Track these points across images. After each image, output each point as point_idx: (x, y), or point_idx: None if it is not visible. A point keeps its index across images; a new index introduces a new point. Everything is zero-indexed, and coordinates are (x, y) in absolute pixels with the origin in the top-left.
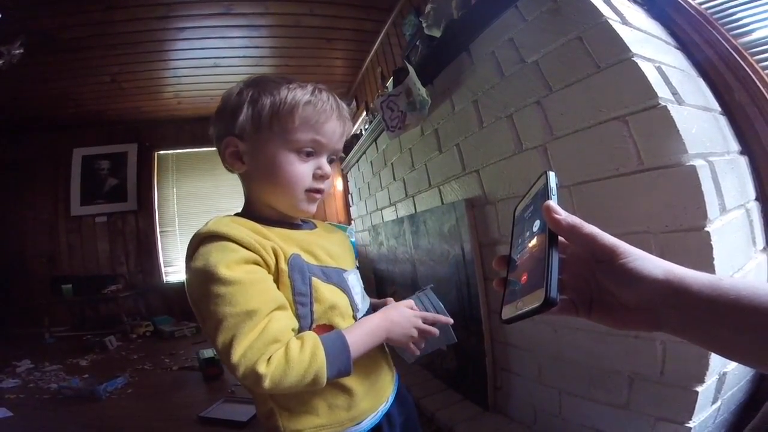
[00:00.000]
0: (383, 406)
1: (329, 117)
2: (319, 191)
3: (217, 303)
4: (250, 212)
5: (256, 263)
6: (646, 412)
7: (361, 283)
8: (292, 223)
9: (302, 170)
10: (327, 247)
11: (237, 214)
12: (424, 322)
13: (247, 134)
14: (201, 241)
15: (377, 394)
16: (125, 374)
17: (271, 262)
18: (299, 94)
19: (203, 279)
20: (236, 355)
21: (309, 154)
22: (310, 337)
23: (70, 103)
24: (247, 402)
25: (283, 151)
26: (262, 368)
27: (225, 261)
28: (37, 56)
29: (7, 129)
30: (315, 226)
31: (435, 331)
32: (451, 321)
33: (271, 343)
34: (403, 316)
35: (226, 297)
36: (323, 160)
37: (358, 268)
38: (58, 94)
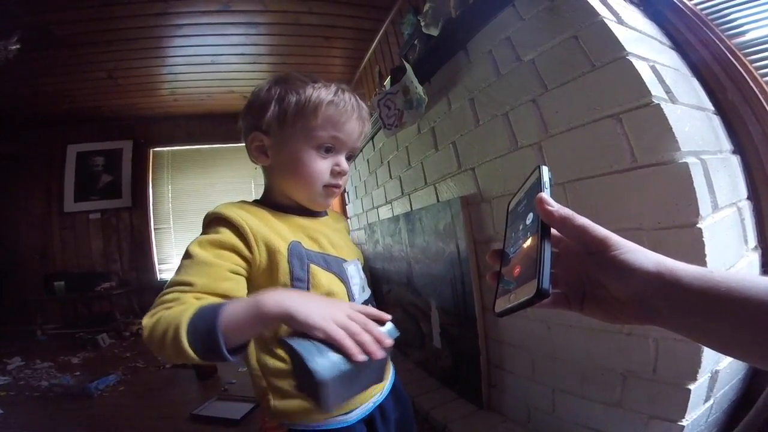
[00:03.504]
0: (375, 397)
1: (350, 117)
2: (336, 186)
3: (175, 272)
4: (266, 200)
5: (233, 250)
6: (639, 409)
7: (362, 275)
8: (306, 211)
9: (322, 166)
10: (330, 237)
11: (255, 201)
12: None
13: (272, 130)
14: (208, 223)
15: None
16: (117, 372)
17: (256, 253)
18: (323, 94)
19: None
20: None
21: (328, 150)
22: (194, 300)
23: (65, 99)
24: (241, 400)
25: (305, 147)
26: (145, 320)
27: (202, 240)
28: (33, 52)
29: (1, 124)
30: (326, 215)
31: (381, 332)
32: (389, 317)
33: (169, 302)
34: (327, 299)
35: (182, 268)
36: (341, 157)
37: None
38: (54, 89)
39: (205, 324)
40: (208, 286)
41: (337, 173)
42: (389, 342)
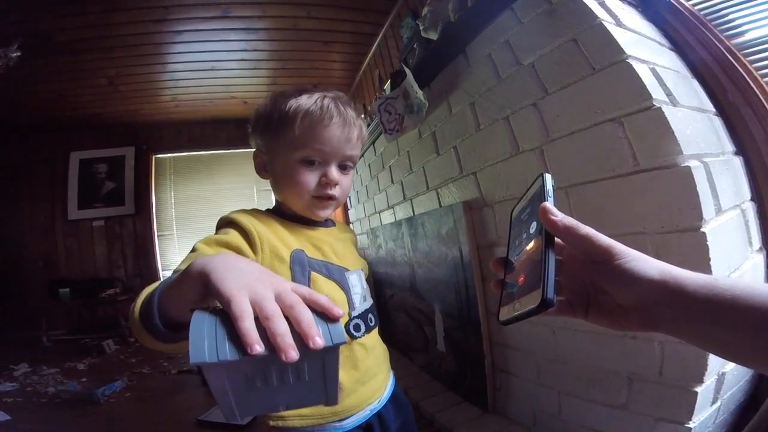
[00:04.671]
0: (373, 405)
1: (329, 123)
2: (327, 197)
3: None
4: (276, 209)
5: (237, 251)
6: (645, 412)
7: (365, 285)
8: (311, 221)
9: (307, 178)
10: (334, 246)
11: (267, 210)
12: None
13: (265, 147)
14: (220, 225)
15: (365, 393)
16: (123, 378)
17: (260, 256)
18: (302, 105)
19: None
20: None
21: (312, 163)
22: None
23: (67, 105)
24: None
25: (290, 160)
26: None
27: (209, 238)
28: (35, 58)
29: (4, 132)
30: (333, 224)
31: (311, 326)
32: (341, 313)
33: None
34: (261, 268)
35: (185, 260)
36: (330, 168)
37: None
38: (55, 96)
39: (153, 290)
40: None
41: (324, 184)
42: (320, 342)
